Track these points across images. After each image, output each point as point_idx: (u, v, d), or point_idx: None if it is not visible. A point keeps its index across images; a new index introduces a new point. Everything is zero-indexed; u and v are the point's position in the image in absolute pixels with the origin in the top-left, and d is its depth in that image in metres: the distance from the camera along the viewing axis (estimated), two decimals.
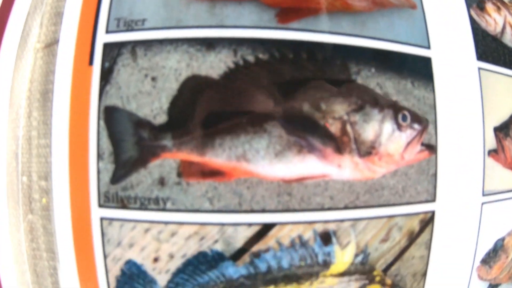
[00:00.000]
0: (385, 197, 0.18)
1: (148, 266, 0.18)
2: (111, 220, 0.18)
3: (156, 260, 0.18)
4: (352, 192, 0.18)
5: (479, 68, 0.20)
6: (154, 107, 0.17)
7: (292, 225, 0.18)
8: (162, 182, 0.17)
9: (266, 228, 0.18)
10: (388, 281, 0.19)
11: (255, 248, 0.18)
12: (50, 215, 0.19)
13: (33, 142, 0.19)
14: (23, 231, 0.20)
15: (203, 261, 0.18)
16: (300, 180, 0.17)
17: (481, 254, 0.21)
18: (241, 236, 0.17)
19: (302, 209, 0.17)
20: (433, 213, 0.19)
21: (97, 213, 0.18)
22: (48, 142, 0.18)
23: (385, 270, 0.19)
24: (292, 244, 0.18)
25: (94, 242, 0.18)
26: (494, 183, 0.21)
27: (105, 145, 0.18)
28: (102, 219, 0.18)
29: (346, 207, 0.18)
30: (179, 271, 0.18)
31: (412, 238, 0.19)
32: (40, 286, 0.20)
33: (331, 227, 0.18)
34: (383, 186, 0.18)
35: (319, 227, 0.18)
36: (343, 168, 0.17)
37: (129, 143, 0.17)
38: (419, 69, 0.19)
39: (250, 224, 0.17)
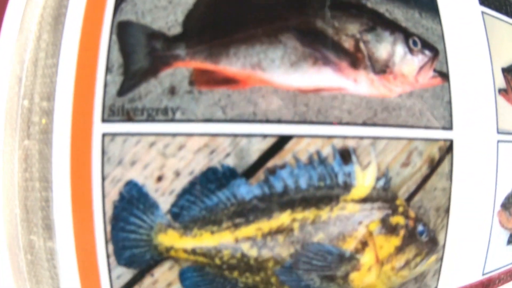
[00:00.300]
0: (403, 118, 0.17)
1: (150, 187, 0.16)
2: (114, 135, 0.16)
3: (159, 179, 0.16)
4: (370, 109, 0.17)
5: (483, 12, 0.20)
6: (169, 19, 0.16)
7: (310, 139, 0.16)
8: (172, 91, 0.16)
9: (282, 141, 0.16)
10: (412, 213, 0.17)
11: (271, 163, 0.16)
12: (48, 138, 0.17)
13: (39, 64, 0.18)
14: (17, 160, 0.18)
15: (213, 179, 0.15)
16: (316, 91, 0.16)
17: (501, 197, 0.20)
18: (255, 149, 0.15)
19: (320, 122, 0.16)
20: (451, 142, 0.18)
21: (99, 128, 0.16)
22: (55, 61, 0.17)
23: (408, 199, 0.17)
24: (310, 161, 0.16)
25: (92, 162, 0.16)
26: (508, 123, 0.20)
27: (115, 58, 0.16)
28: (104, 135, 0.16)
29: (364, 124, 0.16)
30: (185, 192, 0.15)
31: (433, 166, 0.18)
32: (29, 223, 0.17)
33: (350, 143, 0.16)
34: (400, 106, 0.17)
35: (338, 143, 0.16)
36: (359, 83, 0.16)
37: (141, 55, 0.16)
38: (425, 3, 0.19)
39: (265, 136, 0.16)
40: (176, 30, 0.17)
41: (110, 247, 0.16)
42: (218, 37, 0.16)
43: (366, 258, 0.17)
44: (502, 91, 0.20)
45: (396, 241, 0.17)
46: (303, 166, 0.16)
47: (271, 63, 0.16)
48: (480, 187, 0.19)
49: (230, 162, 0.15)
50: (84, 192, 0.16)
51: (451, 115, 0.18)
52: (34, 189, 0.18)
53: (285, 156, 0.16)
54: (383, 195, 0.17)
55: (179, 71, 0.16)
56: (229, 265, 0.16)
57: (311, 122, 0.16)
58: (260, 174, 0.16)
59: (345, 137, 0.16)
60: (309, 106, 0.16)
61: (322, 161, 0.16)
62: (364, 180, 0.16)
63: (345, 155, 0.16)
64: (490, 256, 0.20)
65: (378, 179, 0.17)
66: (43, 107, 0.17)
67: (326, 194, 0.16)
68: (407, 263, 0.18)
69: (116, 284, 0.17)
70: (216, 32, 0.16)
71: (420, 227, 0.17)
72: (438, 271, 0.19)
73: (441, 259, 0.19)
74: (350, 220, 0.16)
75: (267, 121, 0.16)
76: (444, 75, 0.18)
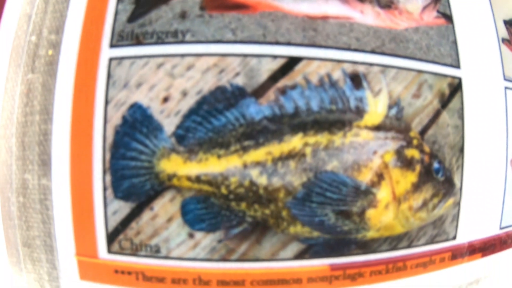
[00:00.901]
0: (411, 50, 0.16)
1: (155, 108, 0.14)
2: (121, 59, 0.15)
3: (166, 99, 0.14)
4: (378, 38, 0.16)
5: None
6: None
7: (320, 62, 0.15)
8: (183, 15, 0.15)
9: (292, 62, 0.15)
10: (427, 148, 0.16)
11: (281, 83, 0.14)
12: (53, 69, 0.16)
13: (51, 1, 0.17)
14: (18, 95, 0.16)
15: (221, 98, 0.14)
16: (324, 18, 0.15)
17: None
18: (265, 69, 0.14)
19: (329, 46, 0.15)
20: (460, 80, 0.17)
21: (106, 53, 0.15)
22: None
23: (422, 133, 0.16)
24: (321, 83, 0.15)
25: (97, 86, 0.15)
26: None
27: None
28: (111, 59, 0.15)
29: (373, 51, 0.15)
30: (192, 112, 0.14)
31: (444, 101, 0.16)
32: (25, 160, 0.15)
33: (360, 69, 0.15)
34: (407, 39, 0.16)
35: (348, 68, 0.15)
36: (365, 15, 0.16)
37: None
38: None
39: (275, 56, 0.14)
40: None
41: (108, 178, 0.15)
42: None
43: (383, 193, 0.15)
44: (506, 41, 0.19)
45: (412, 177, 0.15)
46: (314, 87, 0.14)
47: None
48: (492, 130, 0.17)
49: (240, 81, 0.14)
50: (85, 118, 0.15)
51: (457, 54, 0.17)
52: (33, 123, 0.16)
53: (296, 77, 0.14)
54: (397, 125, 0.15)
55: None
56: (236, 195, 0.14)
57: (321, 46, 0.15)
58: (270, 94, 0.14)
59: (354, 62, 0.15)
60: (318, 31, 0.15)
61: (333, 84, 0.15)
62: (376, 106, 0.15)
63: (356, 80, 0.15)
64: (506, 209, 0.18)
65: (390, 107, 0.15)
66: (51, 39, 0.16)
67: (338, 118, 0.14)
68: (424, 203, 0.16)
69: (112, 221, 0.15)
70: None
71: (436, 164, 0.16)
72: (457, 217, 0.17)
73: (459, 204, 0.17)
74: (365, 148, 0.15)
75: (277, 43, 0.15)
76: (447, 17, 0.18)
